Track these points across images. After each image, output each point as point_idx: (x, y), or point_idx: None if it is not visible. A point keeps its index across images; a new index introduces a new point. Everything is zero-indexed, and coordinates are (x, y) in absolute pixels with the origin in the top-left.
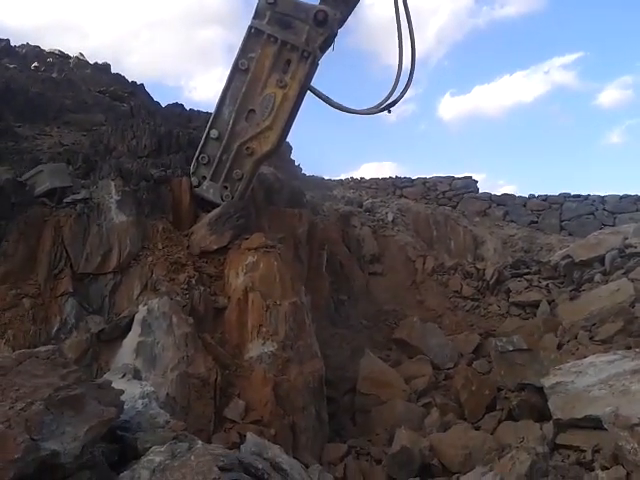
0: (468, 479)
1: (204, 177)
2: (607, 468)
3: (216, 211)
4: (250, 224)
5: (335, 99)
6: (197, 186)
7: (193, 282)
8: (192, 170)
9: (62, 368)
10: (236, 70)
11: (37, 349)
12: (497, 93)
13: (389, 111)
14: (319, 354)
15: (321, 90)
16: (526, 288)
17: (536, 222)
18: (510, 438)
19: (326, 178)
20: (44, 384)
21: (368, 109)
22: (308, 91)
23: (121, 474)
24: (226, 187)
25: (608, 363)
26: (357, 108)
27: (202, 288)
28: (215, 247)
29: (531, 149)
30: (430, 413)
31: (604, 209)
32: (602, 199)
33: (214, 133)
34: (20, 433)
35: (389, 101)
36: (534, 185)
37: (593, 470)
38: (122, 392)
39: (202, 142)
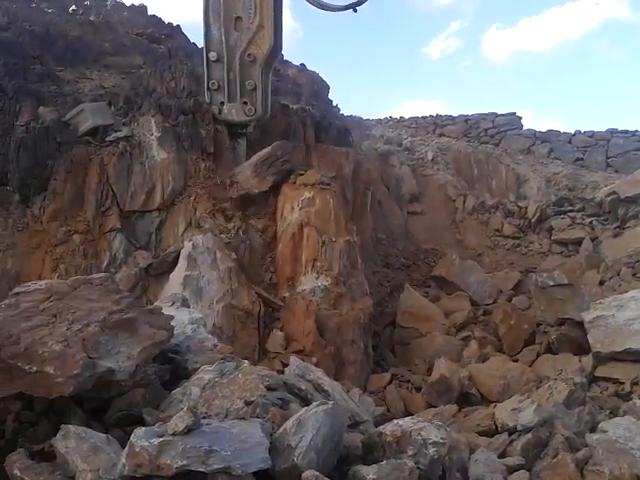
0: (505, 406)
1: (222, 103)
2: None
3: (265, 151)
4: (296, 166)
5: None
6: (219, 114)
7: (237, 220)
8: (207, 100)
9: (115, 294)
10: None
11: (91, 276)
12: (544, 26)
13: (355, 10)
14: (368, 292)
15: None
16: (569, 226)
17: (582, 159)
18: (548, 370)
19: (365, 118)
20: (98, 308)
21: (335, 5)
22: None
23: (173, 391)
24: (246, 103)
25: None
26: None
27: (244, 226)
28: (256, 191)
29: (580, 85)
30: (469, 345)
31: None
32: None
33: (213, 55)
34: (78, 351)
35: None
36: (582, 122)
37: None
38: (172, 317)
39: (205, 69)
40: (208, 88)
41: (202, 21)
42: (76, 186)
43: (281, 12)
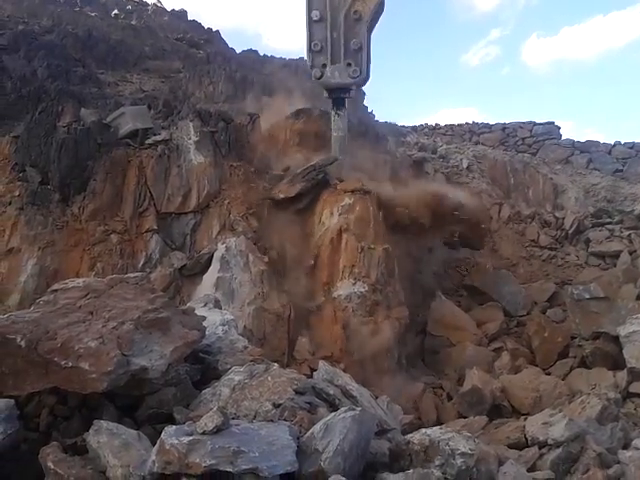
0: (536, 419)
1: (324, 65)
2: None
3: (310, 164)
4: (332, 176)
5: None
6: (320, 77)
7: (269, 224)
8: (309, 64)
9: (150, 293)
10: None
11: (127, 275)
12: (587, 35)
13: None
14: (404, 302)
15: None
16: (607, 238)
17: (621, 170)
18: (582, 385)
19: (399, 124)
20: (134, 306)
21: None
22: None
23: (203, 391)
24: (350, 64)
25: None
26: None
27: (278, 230)
28: (282, 196)
29: (623, 95)
30: (501, 357)
31: None
32: None
33: (315, 14)
34: (112, 349)
35: None
36: (625, 133)
37: None
38: (204, 318)
39: (307, 30)
40: (310, 49)
41: None
42: (115, 187)
43: None
